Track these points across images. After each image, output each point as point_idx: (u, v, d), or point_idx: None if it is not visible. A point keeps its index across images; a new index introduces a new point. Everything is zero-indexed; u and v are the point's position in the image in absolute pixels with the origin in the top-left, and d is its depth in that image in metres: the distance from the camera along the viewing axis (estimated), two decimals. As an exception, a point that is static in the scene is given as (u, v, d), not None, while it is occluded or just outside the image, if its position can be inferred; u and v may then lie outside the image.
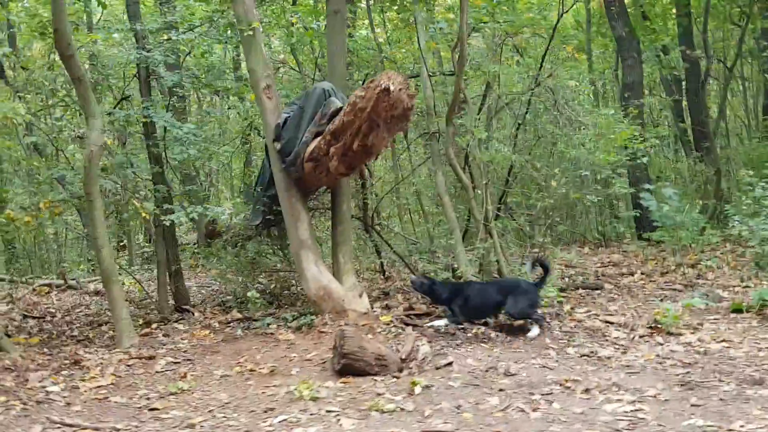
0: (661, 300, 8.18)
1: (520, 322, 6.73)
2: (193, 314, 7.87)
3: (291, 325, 6.90)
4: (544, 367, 5.44)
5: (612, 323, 6.96)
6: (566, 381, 5.00)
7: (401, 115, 5.35)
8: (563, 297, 8.17)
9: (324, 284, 7.01)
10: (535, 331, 6.50)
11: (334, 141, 6.09)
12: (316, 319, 6.76)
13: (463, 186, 7.77)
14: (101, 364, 5.93)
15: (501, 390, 4.91)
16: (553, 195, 8.18)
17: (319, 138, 6.57)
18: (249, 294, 7.21)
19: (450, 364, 5.59)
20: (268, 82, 7.16)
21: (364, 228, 9.17)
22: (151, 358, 6.04)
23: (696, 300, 7.06)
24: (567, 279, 9.91)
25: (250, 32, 6.94)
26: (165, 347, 6.40)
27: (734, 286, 8.56)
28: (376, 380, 5.25)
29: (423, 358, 5.81)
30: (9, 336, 7.33)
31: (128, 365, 5.88)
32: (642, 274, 10.33)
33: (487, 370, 5.39)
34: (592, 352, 5.83)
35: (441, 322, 6.86)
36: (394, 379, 5.25)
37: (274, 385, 5.25)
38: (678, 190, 9.45)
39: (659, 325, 6.51)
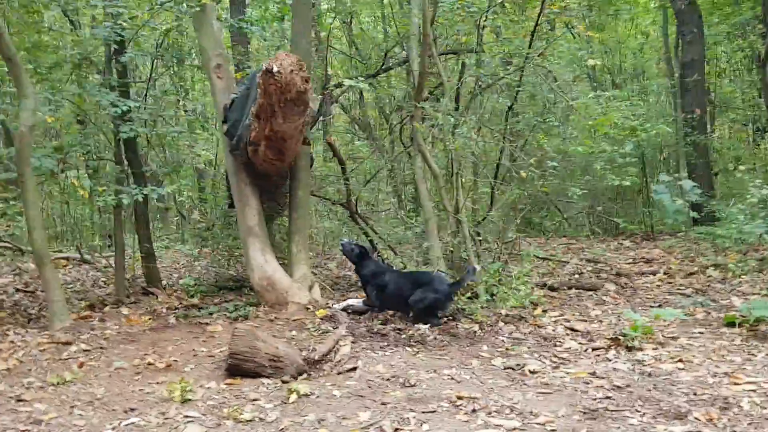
0: (660, 306, 7.37)
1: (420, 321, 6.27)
2: (157, 297, 7.69)
3: (230, 315, 6.60)
4: (452, 379, 4.89)
5: (576, 331, 6.27)
6: (461, 398, 4.44)
7: (296, 98, 4.88)
8: (545, 298, 7.50)
9: (268, 274, 6.67)
10: (424, 327, 6.00)
11: (257, 124, 5.69)
12: (252, 311, 6.44)
13: (433, 174, 7.18)
14: (15, 346, 5.83)
15: (384, 404, 4.41)
16: (527, 186, 7.43)
17: (255, 121, 6.20)
18: (183, 281, 6.94)
19: (354, 369, 5.13)
20: (219, 61, 6.83)
21: (349, 215, 8.74)
22: (67, 343, 5.87)
23: (667, 312, 6.24)
24: (568, 277, 9.18)
25: (198, 8, 6.61)
26: (91, 333, 6.22)
27: (752, 294, 7.59)
28: (262, 383, 4.87)
29: (339, 360, 5.39)
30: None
31: (41, 350, 5.73)
32: (665, 274, 9.41)
33: (388, 379, 4.89)
34: (519, 365, 5.20)
35: (353, 302, 6.47)
36: (281, 384, 4.84)
37: (158, 382, 4.95)
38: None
39: (622, 337, 5.78)
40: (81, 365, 5.34)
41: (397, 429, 3.98)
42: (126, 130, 6.82)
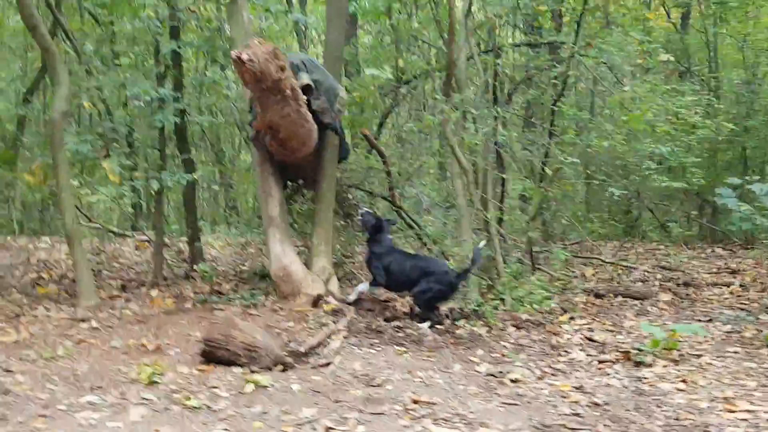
0: (709, 320, 6.73)
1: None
2: (195, 281, 7.89)
3: (245, 303, 6.66)
4: (423, 382, 4.67)
5: (594, 341, 5.84)
6: (417, 402, 4.24)
7: (273, 88, 4.79)
8: (586, 304, 7.06)
9: (284, 264, 6.65)
10: (424, 326, 5.72)
11: (258, 114, 5.68)
12: (262, 300, 6.47)
13: (462, 169, 6.90)
14: (37, 320, 6.15)
15: (336, 402, 4.28)
16: (552, 184, 6.94)
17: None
18: (199, 266, 7.06)
19: (328, 365, 5.02)
20: (248, 51, 6.88)
21: (393, 208, 8.58)
22: (82, 320, 6.13)
23: (686, 327, 5.65)
24: (620, 284, 8.59)
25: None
26: (110, 312, 6.46)
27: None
28: (232, 372, 4.84)
29: (326, 355, 5.31)
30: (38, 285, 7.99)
31: (55, 325, 6.02)
32: (740, 286, 8.59)
33: (357, 377, 4.75)
34: (502, 372, 4.90)
35: (361, 286, 6.32)
36: (251, 374, 4.80)
37: (139, 363, 5.04)
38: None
39: (635, 351, 5.31)
40: (79, 342, 5.55)
41: (329, 428, 3.83)
42: (159, 117, 7.03)
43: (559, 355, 5.47)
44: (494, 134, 6.57)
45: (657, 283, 8.87)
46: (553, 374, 4.95)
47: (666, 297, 7.72)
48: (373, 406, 4.20)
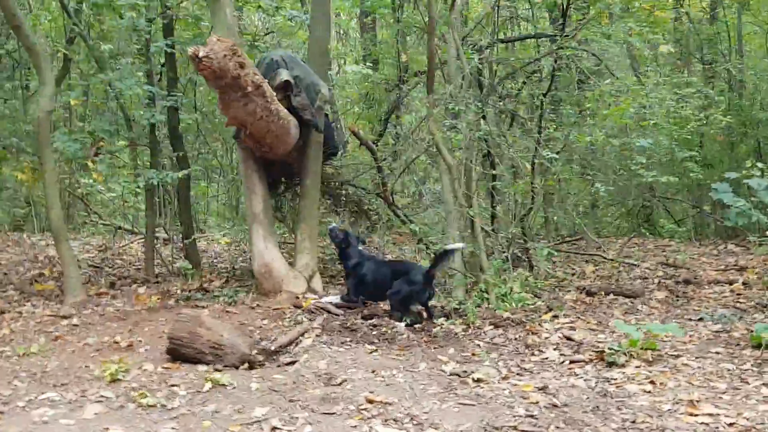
0: (699, 319, 6.56)
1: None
2: (188, 279, 7.93)
3: (227, 301, 6.68)
4: (383, 381, 4.62)
5: (571, 341, 5.72)
6: (372, 402, 4.20)
7: (233, 85, 4.76)
8: (575, 303, 6.94)
9: (266, 261, 6.67)
10: (400, 325, 5.67)
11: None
12: (242, 297, 6.48)
13: (446, 164, 6.82)
14: (21, 316, 6.24)
15: (291, 401, 4.26)
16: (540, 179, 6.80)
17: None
18: (181, 264, 7.09)
19: (293, 363, 5.02)
20: (231, 48, 6.87)
21: (387, 205, 8.53)
22: (64, 317, 6.22)
23: (661, 327, 5.50)
24: (611, 281, 8.43)
25: (211, -4, 6.72)
26: (93, 309, 6.53)
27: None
28: (196, 370, 4.86)
29: (296, 353, 5.30)
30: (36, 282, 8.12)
31: (37, 322, 6.11)
32: (743, 284, 8.36)
33: (320, 376, 4.72)
34: (466, 372, 4.83)
35: (333, 298, 6.29)
36: (212, 373, 4.80)
37: (107, 361, 5.08)
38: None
39: (609, 351, 5.19)
40: (56, 339, 5.62)
41: (275, 428, 3.82)
42: (148, 116, 7.07)
43: (533, 354, 5.37)
44: (477, 129, 6.46)
45: (656, 280, 8.68)
46: (519, 374, 4.86)
47: (661, 295, 7.54)
48: (327, 405, 4.17)
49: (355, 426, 3.85)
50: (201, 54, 4.51)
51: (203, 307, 6.59)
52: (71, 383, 4.65)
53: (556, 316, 6.46)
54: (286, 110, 6.18)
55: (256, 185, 6.87)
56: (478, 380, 4.66)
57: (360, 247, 6.56)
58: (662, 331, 5.29)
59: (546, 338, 5.79)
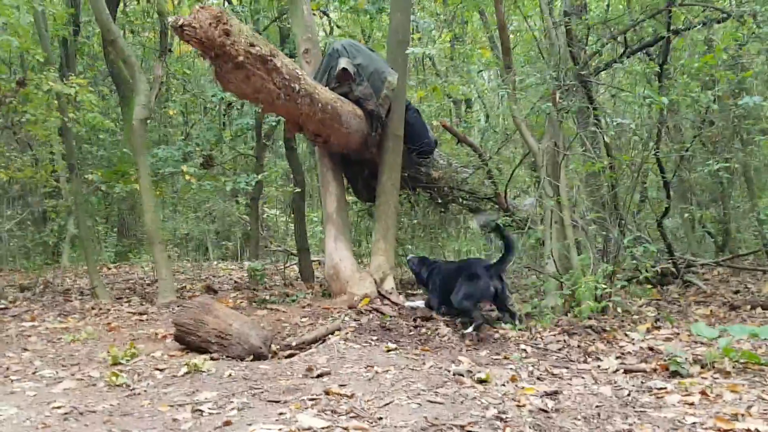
0: None
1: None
2: (293, 286, 7.84)
3: (291, 301, 6.43)
4: (368, 377, 4.00)
5: (653, 351, 4.59)
6: (330, 393, 3.65)
7: (222, 54, 4.48)
8: (709, 316, 5.69)
9: (335, 262, 6.32)
10: (469, 329, 4.85)
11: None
12: (302, 297, 6.19)
13: (531, 152, 5.97)
14: (108, 312, 6.51)
15: (252, 388, 3.85)
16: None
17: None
18: (251, 265, 6.90)
19: (291, 356, 4.60)
20: (308, 45, 6.75)
21: (499, 210, 7.71)
22: (141, 314, 6.38)
23: (742, 328, 4.15)
24: None
25: (288, -5, 6.69)
26: (171, 309, 6.62)
27: None
28: (197, 358, 4.62)
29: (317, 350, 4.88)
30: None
31: (116, 317, 6.32)
32: None
33: (309, 369, 4.23)
34: (471, 372, 4.03)
35: (417, 303, 5.69)
36: (211, 362, 4.52)
37: (130, 349, 5.04)
38: None
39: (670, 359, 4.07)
40: (111, 329, 5.75)
41: (197, 410, 3.44)
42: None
43: (584, 362, 4.37)
44: (553, 107, 5.56)
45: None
46: (540, 378, 3.96)
47: None
48: (285, 395, 3.69)
49: (283, 413, 3.33)
50: (181, 22, 4.37)
51: (273, 309, 6.42)
52: (81, 364, 4.66)
53: (657, 327, 5.27)
54: (336, 96, 5.85)
55: (330, 183, 6.59)
56: (480, 381, 3.86)
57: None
58: (744, 333, 4.01)
59: (621, 347, 4.71)
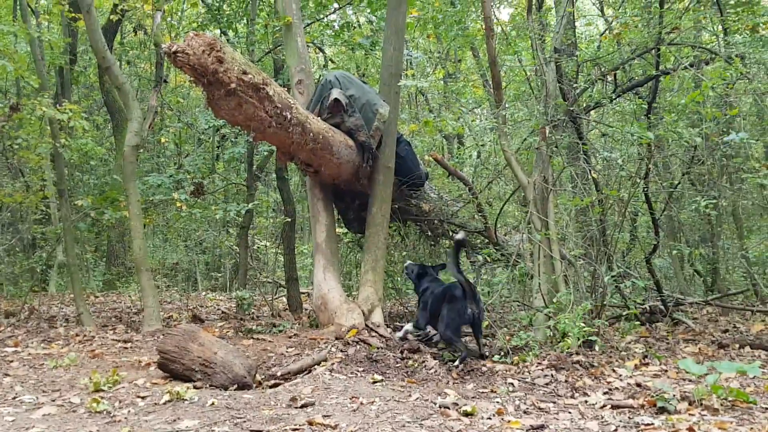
0: None
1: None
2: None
3: (274, 330, 6.37)
4: (352, 408, 3.95)
5: (641, 387, 4.56)
6: (313, 423, 3.59)
7: (215, 81, 4.51)
8: (697, 354, 5.67)
9: (323, 293, 6.29)
10: (456, 362, 4.85)
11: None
12: (288, 327, 6.14)
13: (520, 184, 6.00)
14: (93, 340, 6.44)
15: (234, 417, 3.79)
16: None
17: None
18: (238, 292, 6.85)
19: (276, 385, 4.55)
20: (301, 76, 6.81)
21: (489, 243, 7.72)
22: (125, 341, 6.31)
23: (731, 365, 4.13)
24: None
25: (285, 26, 6.76)
26: (156, 337, 6.56)
27: None
28: (180, 386, 4.56)
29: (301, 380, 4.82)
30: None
31: (101, 344, 6.25)
32: None
33: (293, 399, 4.18)
34: (457, 404, 3.99)
35: (407, 327, 5.67)
36: (194, 390, 4.46)
37: (113, 376, 4.97)
38: None
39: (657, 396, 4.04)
40: (94, 356, 5.68)
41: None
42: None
43: (572, 396, 4.33)
44: (542, 142, 5.60)
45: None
46: (526, 412, 3.92)
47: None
48: (265, 424, 3.64)
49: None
50: (175, 49, 4.40)
51: (257, 339, 6.35)
52: (62, 390, 4.60)
53: (645, 364, 5.24)
54: (327, 126, 5.89)
55: (321, 213, 6.59)
56: (466, 413, 3.82)
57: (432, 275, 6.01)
58: (732, 370, 3.99)
59: (609, 383, 4.68)
